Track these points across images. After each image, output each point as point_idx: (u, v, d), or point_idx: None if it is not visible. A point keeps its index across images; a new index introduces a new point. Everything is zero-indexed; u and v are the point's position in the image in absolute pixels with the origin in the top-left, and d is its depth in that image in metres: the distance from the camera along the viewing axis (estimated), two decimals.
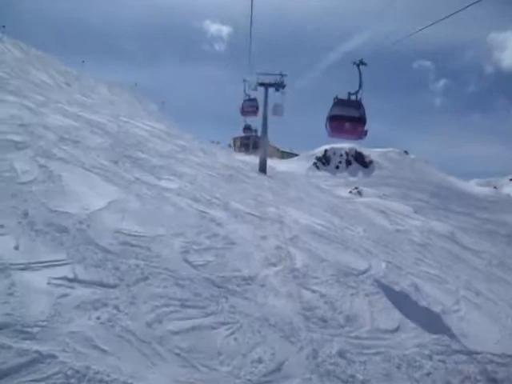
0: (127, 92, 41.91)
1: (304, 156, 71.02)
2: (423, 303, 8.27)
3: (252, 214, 10.41)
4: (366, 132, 9.97)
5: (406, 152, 72.95)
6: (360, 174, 64.54)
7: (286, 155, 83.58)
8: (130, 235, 7.06)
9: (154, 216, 8.18)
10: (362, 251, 10.40)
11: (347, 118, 9.75)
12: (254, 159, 52.62)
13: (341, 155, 67.43)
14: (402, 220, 35.92)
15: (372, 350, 5.98)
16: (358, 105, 9.85)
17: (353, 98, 9.94)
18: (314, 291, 7.11)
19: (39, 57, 33.28)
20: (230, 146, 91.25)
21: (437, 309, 8.17)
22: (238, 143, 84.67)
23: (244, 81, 25.46)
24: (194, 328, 5.27)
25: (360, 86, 9.90)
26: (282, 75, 27.18)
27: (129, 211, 8.03)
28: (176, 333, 5.10)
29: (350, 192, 47.00)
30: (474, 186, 71.29)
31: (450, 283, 10.63)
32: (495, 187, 68.63)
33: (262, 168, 25.44)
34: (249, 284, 6.70)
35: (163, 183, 10.80)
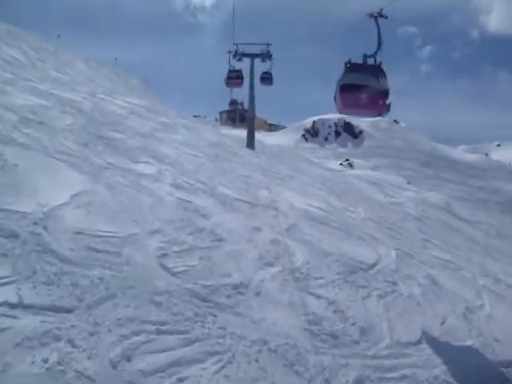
0: (106, 68, 39.94)
1: (292, 128, 69.57)
2: (444, 301, 7.17)
3: (242, 200, 9.18)
4: (388, 106, 8.12)
5: (395, 121, 71.66)
6: (349, 144, 63.35)
7: (273, 128, 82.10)
8: (95, 237, 5.81)
9: (126, 210, 6.91)
10: (366, 238, 9.27)
11: (364, 87, 7.85)
12: (241, 133, 51.25)
13: (329, 126, 66.08)
14: (396, 192, 35.10)
15: (396, 373, 4.87)
16: (377, 70, 7.99)
17: (370, 61, 8.10)
18: (319, 297, 5.96)
19: (10, 31, 31.25)
20: (216, 120, 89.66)
21: (460, 307, 7.09)
22: (225, 117, 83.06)
23: (228, 52, 24.51)
24: (173, 364, 4.09)
25: (379, 46, 8.07)
26: (267, 44, 25.82)
27: (96, 205, 6.76)
28: (149, 373, 3.92)
29: (341, 164, 45.91)
30: (464, 154, 70.52)
31: (464, 269, 9.58)
32: (486, 154, 67.76)
33: (250, 143, 24.27)
34: (241, 293, 5.51)
35: (140, 168, 9.50)
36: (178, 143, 13.49)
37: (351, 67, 8.15)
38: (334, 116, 67.41)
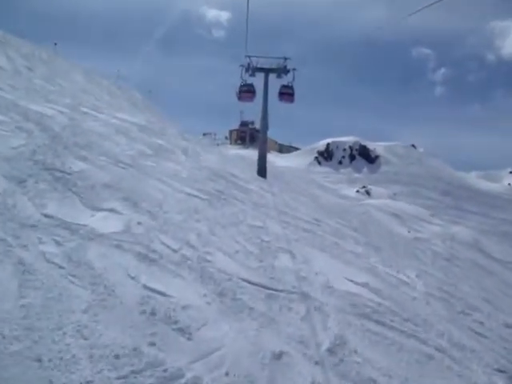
0: (108, 80, 36.97)
1: (305, 150, 66.15)
2: None
3: (251, 282, 5.71)
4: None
5: (413, 146, 68.21)
6: (365, 169, 59.80)
7: (284, 148, 78.89)
8: None
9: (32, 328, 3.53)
10: (447, 351, 5.75)
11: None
12: (251, 154, 48.02)
13: (344, 149, 62.58)
14: (420, 225, 31.95)
15: None
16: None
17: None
18: None
19: None
20: (226, 138, 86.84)
21: None
22: (235, 136, 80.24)
23: (241, 66, 21.96)
24: None
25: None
26: (285, 58, 22.69)
27: None
28: None
29: (358, 191, 42.44)
30: (485, 183, 66.61)
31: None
32: (510, 184, 64.03)
33: (261, 171, 21.16)
34: None
35: (97, 221, 6.13)
36: (168, 175, 10.15)
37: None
38: (349, 139, 64.12)
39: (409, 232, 26.72)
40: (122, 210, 6.87)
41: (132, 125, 15.87)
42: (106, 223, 6.20)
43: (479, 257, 23.84)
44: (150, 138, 14.67)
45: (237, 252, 6.65)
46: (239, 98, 22.54)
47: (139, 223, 6.54)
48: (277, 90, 22.50)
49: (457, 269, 17.58)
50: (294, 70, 22.20)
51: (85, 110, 15.38)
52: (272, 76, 22.59)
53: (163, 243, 6.10)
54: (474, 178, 70.28)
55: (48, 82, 20.32)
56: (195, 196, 9.15)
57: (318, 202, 25.87)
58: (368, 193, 41.65)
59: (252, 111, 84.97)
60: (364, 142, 62.85)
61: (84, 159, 8.95)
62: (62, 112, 13.35)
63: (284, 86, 22.15)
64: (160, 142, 14.54)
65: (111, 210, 6.74)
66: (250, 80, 22.38)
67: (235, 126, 79.42)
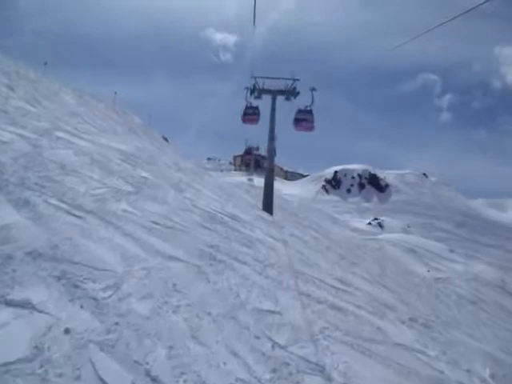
0: (104, 103, 34.54)
1: (312, 178, 63.44)
2: None
3: None
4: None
5: (424, 175, 65.38)
6: (375, 198, 56.87)
7: (289, 175, 76.47)
8: None
9: None
10: None
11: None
12: (256, 181, 45.51)
13: (353, 177, 59.81)
14: (439, 263, 29.41)
15: None
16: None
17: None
18: None
19: None
20: (230, 163, 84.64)
21: None
22: (239, 161, 78.08)
23: (245, 88, 20.49)
24: None
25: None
26: (294, 80, 20.23)
27: None
28: None
29: (370, 223, 39.54)
30: (500, 214, 63.62)
31: None
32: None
33: (268, 206, 18.72)
34: None
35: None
36: (144, 225, 7.40)
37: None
38: (358, 166, 61.47)
39: (428, 271, 24.46)
40: (47, 303, 4.11)
41: (116, 152, 13.23)
42: (7, 337, 3.46)
43: (507, 300, 21.50)
44: (134, 170, 12.00)
45: None
46: (243, 121, 21.00)
47: (67, 332, 3.78)
48: (286, 114, 20.12)
49: (484, 314, 15.89)
50: (313, 90, 19.48)
51: (60, 134, 12.75)
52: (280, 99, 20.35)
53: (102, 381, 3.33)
54: (487, 208, 67.35)
55: (28, 103, 17.78)
56: (178, 259, 6.38)
57: (329, 237, 23.24)
58: (380, 225, 38.80)
59: (257, 136, 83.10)
60: (374, 170, 60.14)
61: (23, 205, 6.26)
62: (24, 137, 10.73)
63: (301, 111, 19.54)
64: (145, 174, 11.86)
65: (26, 305, 3.99)
66: (255, 103, 20.57)
67: (240, 150, 77.70)
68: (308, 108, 19.41)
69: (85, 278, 4.79)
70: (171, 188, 11.52)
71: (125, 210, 7.72)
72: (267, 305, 5.86)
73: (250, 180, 45.57)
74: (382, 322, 7.22)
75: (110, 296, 4.67)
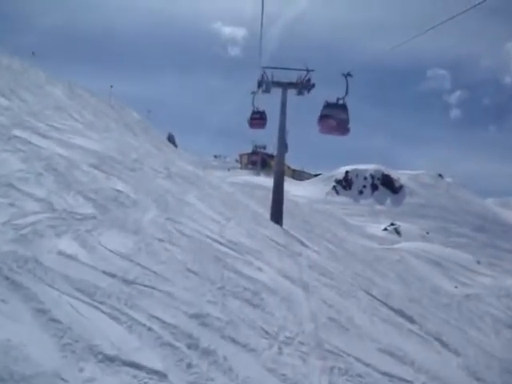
0: (98, 97, 31.72)
1: (321, 178, 60.39)
2: None
3: None
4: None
5: (440, 176, 62.15)
6: (388, 200, 53.80)
7: (297, 174, 73.55)
8: None
9: None
10: None
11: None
12: (262, 181, 42.69)
13: (365, 178, 56.74)
14: (466, 276, 26.87)
15: None
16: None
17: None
18: None
19: None
20: (236, 161, 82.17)
21: None
22: (245, 160, 75.51)
23: (252, 93, 19.19)
24: None
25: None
26: (308, 71, 17.31)
27: None
28: None
29: (386, 229, 36.62)
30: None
31: None
32: None
33: (277, 215, 16.37)
34: None
35: None
36: (88, 286, 4.64)
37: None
38: (371, 167, 58.36)
39: (456, 287, 21.93)
40: None
41: (88, 156, 10.48)
42: None
43: None
44: (107, 180, 9.25)
45: None
46: (251, 126, 19.94)
47: None
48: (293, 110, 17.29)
49: None
50: (347, 75, 14.40)
51: (17, 133, 10.05)
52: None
53: None
54: (503, 210, 64.04)
55: (4, 96, 15.05)
56: (135, 369, 3.57)
57: (345, 248, 20.68)
58: (397, 232, 35.83)
59: (264, 136, 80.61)
60: (387, 171, 57.06)
61: None
62: None
63: (329, 106, 14.66)
64: (121, 186, 9.09)
65: None
66: (263, 97, 18.69)
67: (246, 148, 75.12)
68: (341, 102, 14.72)
69: None
70: (152, 205, 8.76)
71: (61, 254, 4.94)
72: None
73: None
74: None
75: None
